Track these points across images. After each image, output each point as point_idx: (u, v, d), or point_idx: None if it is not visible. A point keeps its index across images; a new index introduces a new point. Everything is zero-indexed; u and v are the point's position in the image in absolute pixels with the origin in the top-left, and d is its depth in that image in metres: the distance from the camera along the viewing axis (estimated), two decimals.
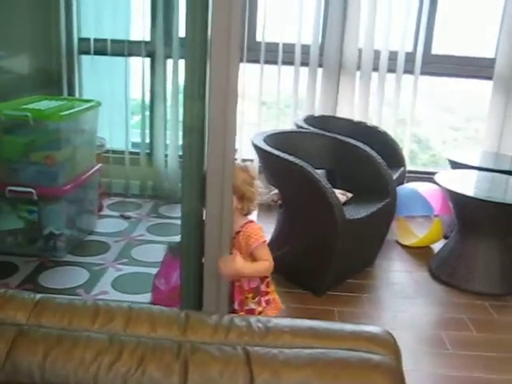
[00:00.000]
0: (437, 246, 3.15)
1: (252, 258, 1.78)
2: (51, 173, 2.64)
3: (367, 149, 2.88)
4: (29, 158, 2.65)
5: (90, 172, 3.00)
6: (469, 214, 2.80)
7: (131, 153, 3.96)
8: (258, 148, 2.72)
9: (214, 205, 1.66)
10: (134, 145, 4.11)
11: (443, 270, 2.85)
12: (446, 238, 3.16)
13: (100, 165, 3.19)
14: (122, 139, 3.92)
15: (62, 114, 2.61)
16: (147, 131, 3.94)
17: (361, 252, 2.79)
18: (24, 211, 2.68)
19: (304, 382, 1.06)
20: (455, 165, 3.32)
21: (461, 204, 2.78)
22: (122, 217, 3.46)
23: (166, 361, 1.08)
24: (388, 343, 1.17)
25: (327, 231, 2.48)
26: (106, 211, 3.53)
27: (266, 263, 1.77)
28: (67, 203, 2.76)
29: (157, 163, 3.94)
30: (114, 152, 3.88)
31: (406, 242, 3.23)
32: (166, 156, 3.93)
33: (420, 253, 3.15)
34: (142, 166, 3.95)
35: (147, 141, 3.95)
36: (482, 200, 2.63)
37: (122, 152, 3.93)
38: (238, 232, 1.80)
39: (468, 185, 2.92)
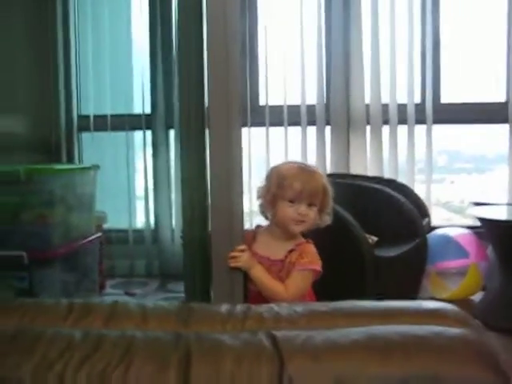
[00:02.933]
0: (476, 298, 2.79)
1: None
2: (44, 234, 2.41)
3: (391, 192, 2.65)
4: (19, 218, 2.42)
5: (88, 239, 2.74)
6: None
7: (135, 231, 3.73)
8: None
9: (222, 282, 1.43)
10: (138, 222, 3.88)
11: (492, 316, 2.48)
12: (483, 289, 2.82)
13: (100, 234, 2.95)
14: (125, 216, 3.70)
15: (55, 168, 2.42)
16: (151, 205, 3.73)
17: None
18: (14, 279, 2.41)
19: (358, 367, 0.75)
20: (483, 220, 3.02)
21: (507, 235, 2.46)
22: (127, 294, 3.16)
23: (159, 353, 0.78)
24: (463, 317, 0.86)
25: (356, 272, 2.17)
26: (108, 290, 3.23)
27: (282, 291, 1.48)
28: (61, 269, 2.49)
29: (163, 239, 3.69)
30: (118, 231, 3.65)
31: (443, 296, 2.87)
32: (173, 231, 3.69)
33: (459, 304, 2.78)
34: (146, 243, 3.70)
35: (151, 216, 3.73)
36: None
37: (126, 231, 3.70)
38: (292, 250, 1.56)
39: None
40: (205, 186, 1.52)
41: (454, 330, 0.79)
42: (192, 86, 1.56)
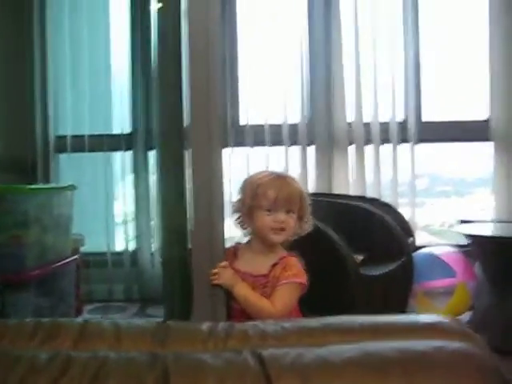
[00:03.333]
0: (464, 318, 2.74)
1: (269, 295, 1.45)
2: (17, 255, 2.30)
3: (375, 210, 2.61)
4: None
5: (64, 261, 2.64)
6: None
7: (113, 254, 3.62)
8: None
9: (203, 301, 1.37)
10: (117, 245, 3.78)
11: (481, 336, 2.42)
12: (471, 309, 2.76)
13: (77, 256, 2.85)
14: (103, 239, 3.60)
15: (29, 187, 2.33)
16: (130, 227, 3.64)
17: None
18: None
19: None
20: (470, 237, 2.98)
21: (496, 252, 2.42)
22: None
23: (133, 375, 0.70)
24: (463, 330, 0.80)
25: (342, 291, 2.11)
26: (85, 315, 3.11)
27: (268, 307, 1.41)
28: (36, 292, 2.39)
29: (142, 262, 3.59)
30: (96, 254, 3.54)
31: None
32: (152, 254, 3.60)
33: None
34: (125, 266, 3.60)
35: (130, 239, 3.63)
36: None
37: (104, 254, 3.60)
38: (275, 264, 1.49)
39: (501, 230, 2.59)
40: (183, 204, 1.47)
41: (455, 344, 0.73)
42: (170, 107, 1.52)
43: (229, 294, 1.39)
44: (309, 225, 1.55)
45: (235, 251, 1.56)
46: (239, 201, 1.55)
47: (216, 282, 1.35)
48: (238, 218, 1.55)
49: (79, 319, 0.87)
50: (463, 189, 5.08)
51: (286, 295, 1.42)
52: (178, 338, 0.79)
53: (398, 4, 3.50)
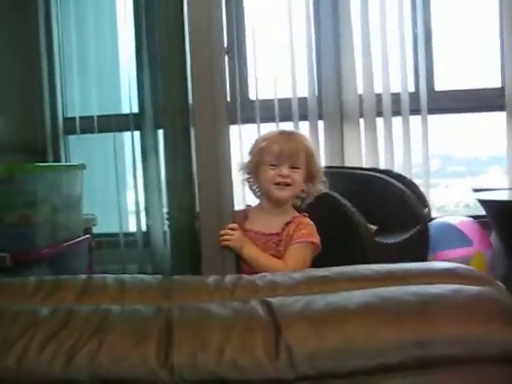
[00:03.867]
0: None
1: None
2: (27, 234, 2.29)
3: (389, 179, 2.56)
4: (1, 219, 2.31)
5: (76, 240, 2.63)
6: None
7: (126, 234, 3.61)
8: None
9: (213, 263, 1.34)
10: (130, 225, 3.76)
11: None
12: None
13: (88, 236, 2.83)
14: (115, 220, 3.59)
15: (38, 165, 2.31)
16: (142, 207, 3.62)
17: None
18: None
19: (367, 331, 0.64)
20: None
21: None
22: None
23: (136, 326, 0.67)
24: (481, 276, 0.76)
25: (357, 260, 2.07)
26: None
27: (281, 267, 1.38)
28: (47, 270, 2.37)
29: (155, 241, 3.57)
30: (108, 235, 3.54)
31: None
32: (165, 233, 3.58)
33: None
34: (138, 247, 3.58)
35: (143, 218, 3.62)
36: None
37: (116, 234, 3.58)
38: (289, 223, 1.48)
39: None
40: (190, 174, 1.44)
41: (473, 288, 0.69)
42: (174, 84, 1.49)
43: (239, 256, 1.36)
44: (320, 185, 1.49)
45: (246, 213, 1.54)
46: (248, 160, 1.55)
47: (225, 243, 1.33)
48: (248, 178, 1.54)
49: (83, 275, 0.84)
50: (477, 168, 4.97)
51: (299, 254, 1.40)
52: (184, 290, 0.76)
53: None
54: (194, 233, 1.34)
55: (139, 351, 0.64)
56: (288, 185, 1.45)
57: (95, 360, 0.63)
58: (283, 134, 1.53)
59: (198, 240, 1.28)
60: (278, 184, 1.45)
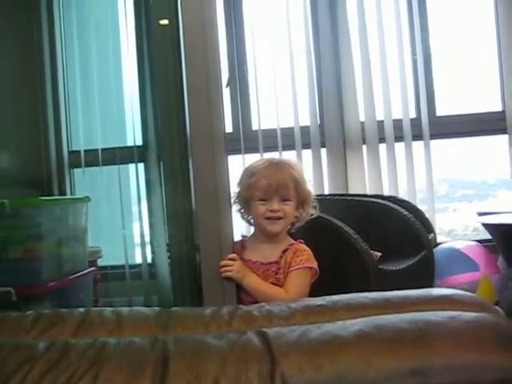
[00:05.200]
0: None
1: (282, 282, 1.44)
2: (32, 268, 2.30)
3: (393, 205, 2.55)
4: (7, 253, 2.32)
5: (81, 273, 2.63)
6: None
7: (132, 266, 3.61)
8: None
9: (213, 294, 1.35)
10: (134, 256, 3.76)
11: None
12: (496, 304, 2.68)
13: (94, 269, 2.84)
14: (120, 252, 3.59)
15: (42, 199, 2.33)
16: (147, 239, 3.62)
17: None
18: None
19: (363, 360, 0.64)
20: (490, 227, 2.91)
21: None
22: None
23: (132, 359, 0.67)
24: (480, 302, 0.76)
25: (361, 287, 2.05)
26: None
27: (283, 295, 1.37)
28: (52, 305, 2.37)
29: (160, 273, 3.56)
30: (113, 268, 3.54)
31: None
32: (170, 265, 3.57)
33: None
34: (143, 279, 3.58)
35: (148, 250, 3.62)
36: None
37: (122, 266, 3.58)
38: (286, 250, 1.49)
39: None
40: (190, 205, 1.45)
41: (471, 314, 0.69)
42: (173, 116, 1.52)
43: (239, 287, 1.36)
44: (311, 210, 1.53)
45: (242, 244, 1.54)
46: (237, 192, 1.54)
47: (225, 274, 1.33)
48: (240, 209, 1.55)
49: (81, 309, 0.84)
50: (485, 191, 4.94)
51: (298, 281, 1.40)
52: (181, 322, 0.76)
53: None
54: (194, 264, 1.34)
55: None
56: (280, 218, 1.46)
57: None
58: (270, 166, 1.50)
59: (199, 271, 1.28)
60: (269, 219, 1.46)
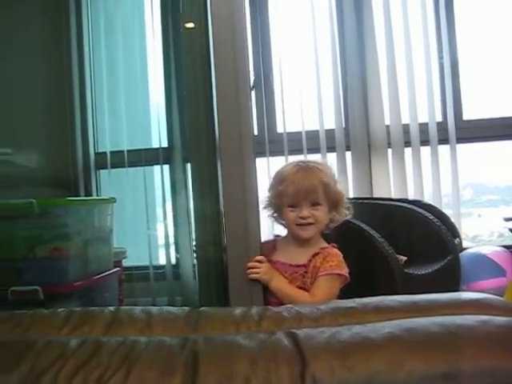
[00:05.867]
0: None
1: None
2: (59, 267, 2.33)
3: (418, 209, 2.53)
4: (34, 252, 2.36)
5: (107, 273, 2.66)
6: None
7: (156, 267, 3.64)
8: None
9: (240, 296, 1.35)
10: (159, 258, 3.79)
11: None
12: None
13: (119, 269, 2.87)
14: (145, 253, 3.62)
15: (69, 199, 2.36)
16: (171, 239, 3.64)
17: None
18: None
19: (394, 362, 0.64)
20: None
21: None
22: None
23: (163, 357, 0.68)
24: (508, 307, 0.75)
25: (387, 291, 2.04)
26: None
27: (308, 300, 1.36)
28: (78, 304, 2.40)
29: (185, 274, 3.58)
30: (137, 268, 3.57)
31: None
32: (194, 266, 3.59)
33: None
34: (168, 279, 3.60)
35: (172, 251, 3.64)
36: None
37: (146, 267, 3.61)
38: (316, 254, 1.47)
39: None
40: (218, 207, 1.45)
41: (503, 319, 0.68)
42: (201, 118, 1.53)
43: (266, 289, 1.36)
44: (344, 211, 1.52)
45: (274, 244, 1.54)
46: (268, 198, 1.55)
47: (252, 276, 1.33)
48: (272, 214, 1.55)
49: (111, 308, 0.85)
50: (509, 196, 4.86)
51: (326, 286, 1.38)
52: (210, 321, 0.77)
53: (431, 2, 3.44)
54: (221, 265, 1.35)
55: (165, 382, 0.64)
56: (310, 224, 1.45)
57: None
58: (298, 171, 1.49)
59: (226, 272, 1.29)
60: (300, 225, 1.45)
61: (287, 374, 0.63)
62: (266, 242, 1.52)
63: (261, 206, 1.52)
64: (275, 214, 1.54)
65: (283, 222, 1.54)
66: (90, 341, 0.72)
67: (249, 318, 0.76)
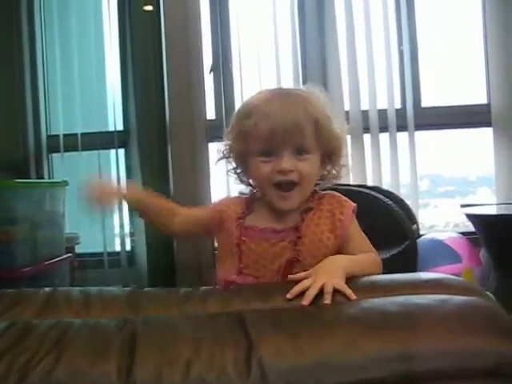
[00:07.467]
0: None
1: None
2: (7, 252, 2.24)
3: (376, 195, 2.52)
4: None
5: (57, 259, 2.57)
6: None
7: (110, 254, 3.54)
8: None
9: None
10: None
11: None
12: None
13: (71, 255, 2.77)
14: (99, 239, 3.51)
15: (18, 181, 2.26)
16: (126, 225, 3.55)
17: None
18: None
19: (348, 344, 0.60)
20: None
21: (502, 230, 2.33)
22: None
23: (97, 340, 0.62)
24: (470, 286, 0.72)
25: None
26: None
27: (372, 254, 1.03)
28: None
29: (139, 261, 3.49)
30: (91, 255, 3.46)
31: None
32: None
33: None
34: (122, 267, 3.51)
35: (127, 235, 3.55)
36: None
37: (100, 254, 3.51)
38: (310, 209, 1.02)
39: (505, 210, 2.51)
40: (168, 188, 1.39)
41: (461, 298, 0.65)
42: (152, 103, 1.46)
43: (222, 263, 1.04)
44: (344, 169, 1.03)
45: (250, 201, 1.08)
46: (228, 144, 1.07)
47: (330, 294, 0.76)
48: (234, 168, 1.08)
49: (47, 289, 0.78)
50: (466, 187, 4.93)
51: (361, 233, 0.99)
52: (153, 303, 0.71)
53: None
54: (171, 249, 1.29)
55: (99, 367, 0.58)
56: (293, 183, 0.99)
57: (51, 377, 0.58)
58: (273, 99, 1.01)
59: (174, 256, 1.23)
60: (278, 186, 0.99)
61: (232, 358, 0.58)
62: (229, 200, 1.09)
63: (216, 158, 1.08)
64: (238, 170, 1.08)
65: (251, 180, 1.08)
66: (20, 323, 0.66)
67: (194, 299, 0.71)
